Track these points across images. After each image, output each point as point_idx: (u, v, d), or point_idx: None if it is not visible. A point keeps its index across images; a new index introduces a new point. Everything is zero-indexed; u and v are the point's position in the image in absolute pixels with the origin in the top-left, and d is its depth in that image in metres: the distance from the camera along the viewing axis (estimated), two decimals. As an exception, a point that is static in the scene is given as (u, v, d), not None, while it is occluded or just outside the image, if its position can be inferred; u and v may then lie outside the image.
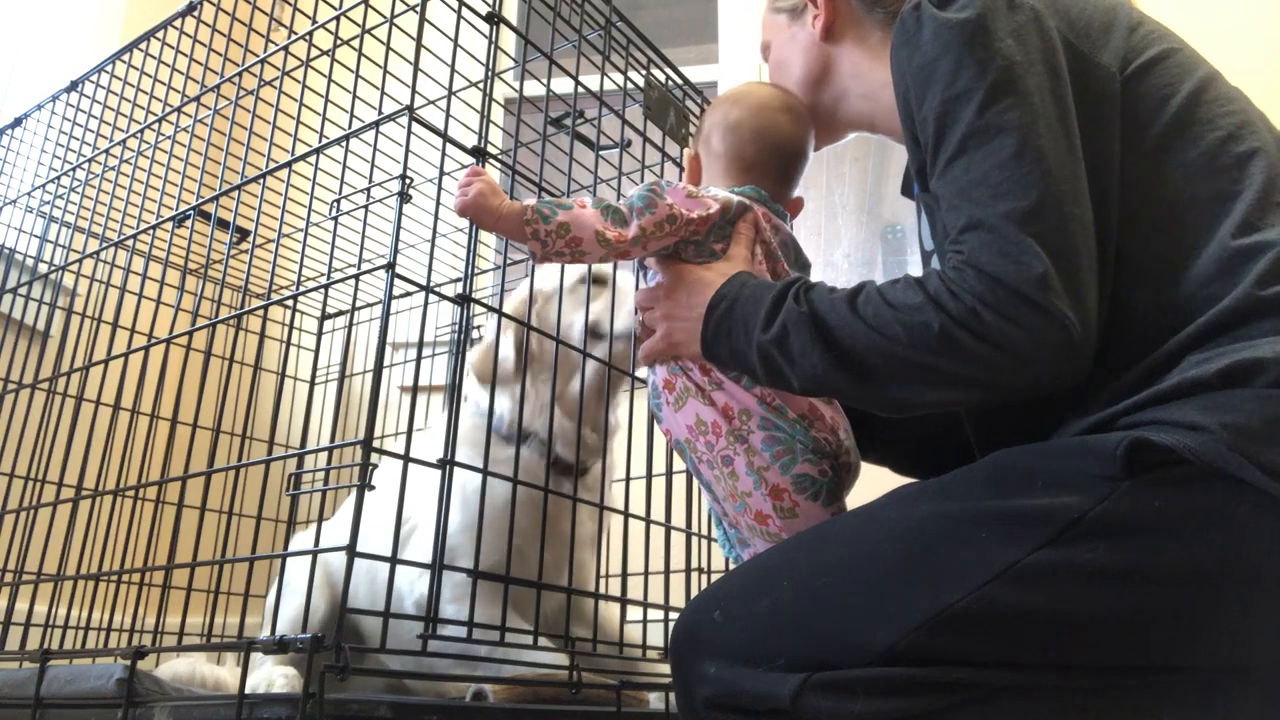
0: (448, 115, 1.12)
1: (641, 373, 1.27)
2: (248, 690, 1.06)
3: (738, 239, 1.05)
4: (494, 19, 1.20)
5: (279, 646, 0.91)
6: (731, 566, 1.08)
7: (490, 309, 1.18)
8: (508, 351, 1.41)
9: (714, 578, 1.47)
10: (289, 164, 1.21)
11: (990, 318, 0.76)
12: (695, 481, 1.51)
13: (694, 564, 1.49)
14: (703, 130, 1.18)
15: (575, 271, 1.42)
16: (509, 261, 1.31)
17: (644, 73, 1.47)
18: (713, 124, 1.16)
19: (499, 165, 1.31)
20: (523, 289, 1.41)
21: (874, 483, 1.08)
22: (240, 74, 1.34)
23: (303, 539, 1.66)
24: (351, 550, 0.92)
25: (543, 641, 1.15)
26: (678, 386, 1.05)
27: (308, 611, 1.08)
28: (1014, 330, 0.76)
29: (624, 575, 1.38)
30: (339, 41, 1.23)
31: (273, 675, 1.36)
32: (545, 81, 1.26)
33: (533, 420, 1.39)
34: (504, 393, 1.40)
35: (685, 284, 1.03)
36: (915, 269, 2.61)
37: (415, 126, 1.07)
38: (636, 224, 1.00)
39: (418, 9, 1.13)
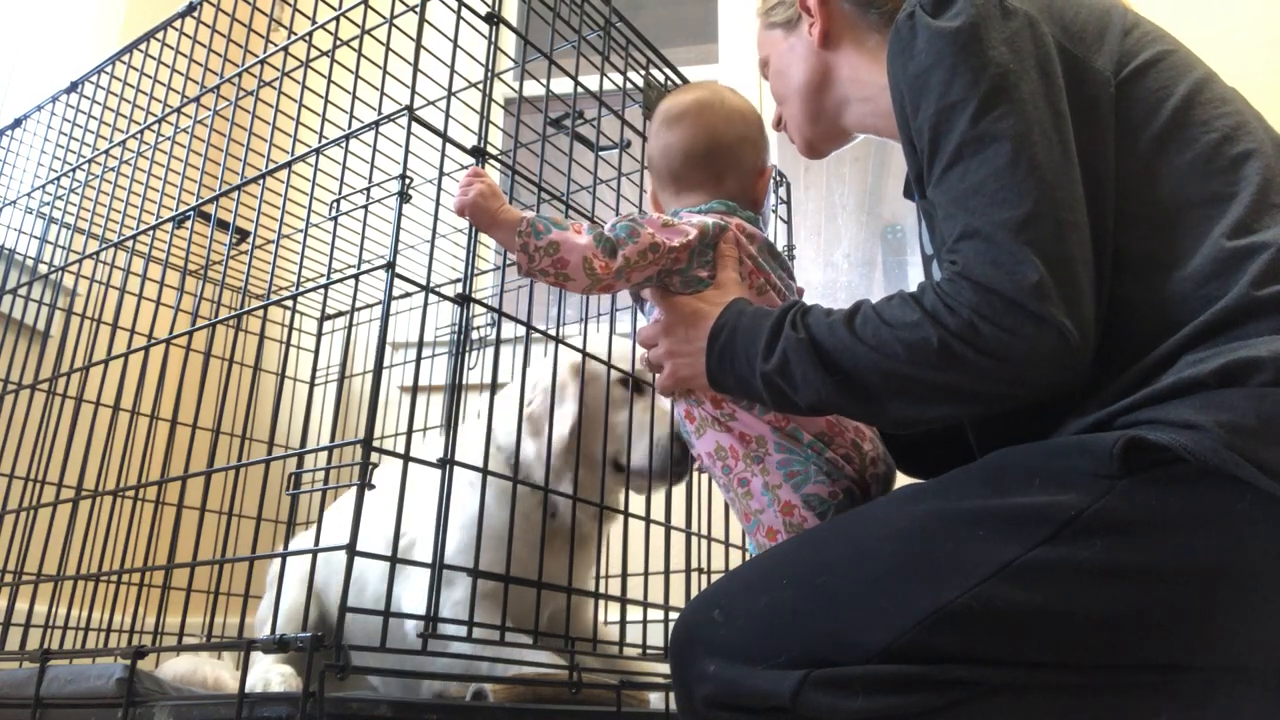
0: (447, 115, 1.12)
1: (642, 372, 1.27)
2: (245, 689, 1.06)
3: (723, 263, 1.06)
4: (493, 19, 1.20)
5: (279, 646, 0.91)
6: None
7: (490, 309, 1.18)
8: (569, 415, 1.32)
9: (714, 578, 1.47)
10: (289, 164, 1.21)
11: (987, 329, 0.77)
12: (695, 482, 1.52)
13: (694, 564, 1.49)
14: (650, 160, 1.21)
15: (613, 374, 1.37)
16: (509, 262, 1.31)
17: (643, 73, 1.48)
18: (651, 155, 1.20)
19: (499, 165, 1.31)
20: (577, 360, 1.33)
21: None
22: (240, 74, 1.34)
23: (300, 541, 1.66)
24: (351, 550, 0.92)
25: (542, 642, 1.15)
26: (696, 417, 1.08)
27: (308, 610, 1.08)
28: (1011, 340, 0.76)
29: (624, 575, 1.38)
30: (339, 42, 1.23)
31: (270, 674, 1.36)
32: (545, 82, 1.26)
33: (556, 502, 1.34)
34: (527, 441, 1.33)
35: (682, 318, 1.04)
36: (916, 269, 2.62)
37: (415, 127, 1.07)
38: (621, 254, 1.00)
39: (417, 9, 1.13)
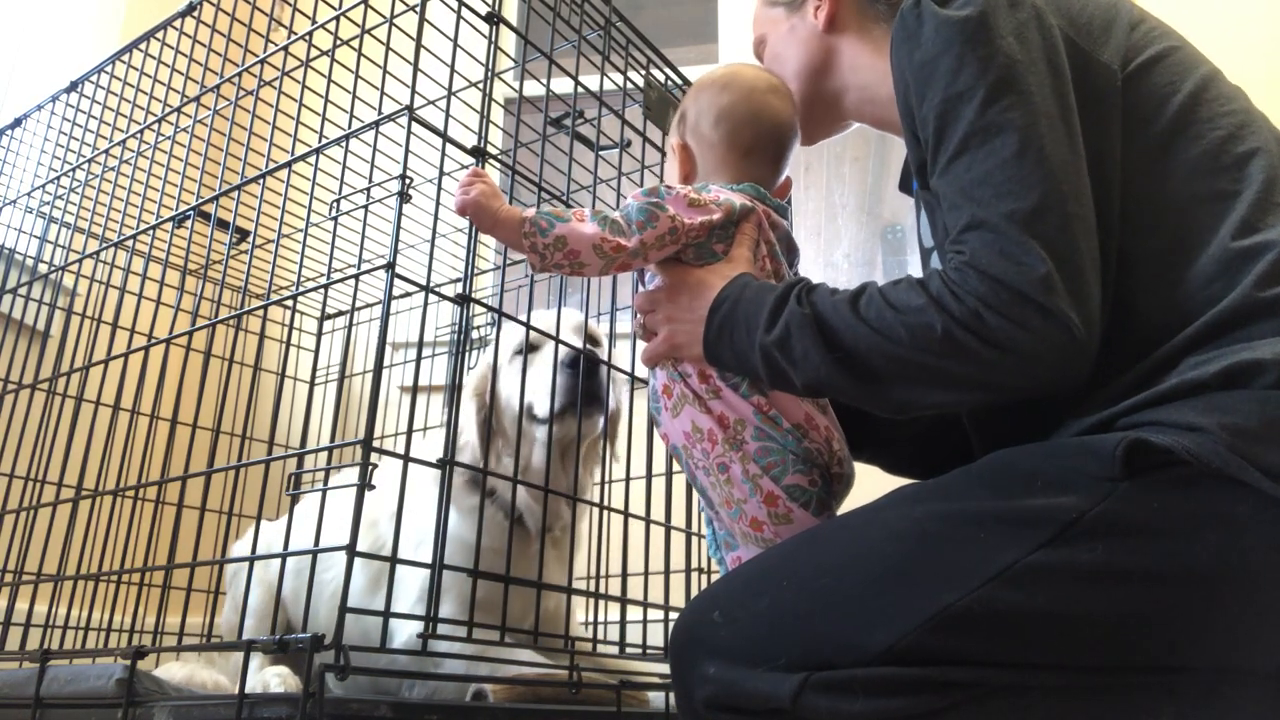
0: (447, 115, 1.12)
1: (642, 372, 1.27)
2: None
3: (741, 240, 1.05)
4: (494, 19, 1.20)
5: (279, 647, 0.91)
6: (720, 568, 1.08)
7: (490, 309, 1.18)
8: (471, 437, 1.42)
9: (714, 578, 1.47)
10: (289, 164, 1.21)
11: (992, 319, 0.76)
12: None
13: (694, 564, 1.49)
14: (688, 117, 1.14)
15: (510, 345, 1.45)
16: (509, 262, 1.31)
17: (644, 73, 1.47)
18: (701, 110, 1.13)
19: (499, 165, 1.31)
20: (481, 366, 1.42)
21: (873, 483, 1.08)
22: (240, 74, 1.34)
23: (244, 544, 1.67)
24: (351, 550, 0.92)
25: (542, 642, 1.15)
26: (675, 393, 1.04)
27: (308, 610, 1.07)
28: (1017, 331, 0.76)
29: (624, 575, 1.38)
30: (339, 41, 1.23)
31: (266, 676, 1.36)
32: (545, 81, 1.26)
33: (496, 485, 1.40)
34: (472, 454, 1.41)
35: (687, 286, 1.02)
36: (915, 269, 2.61)
37: (415, 126, 1.07)
38: (637, 238, 0.99)
39: (417, 9, 1.13)
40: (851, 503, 1.03)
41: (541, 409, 1.37)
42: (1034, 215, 0.77)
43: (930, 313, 0.79)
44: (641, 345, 1.10)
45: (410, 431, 1.19)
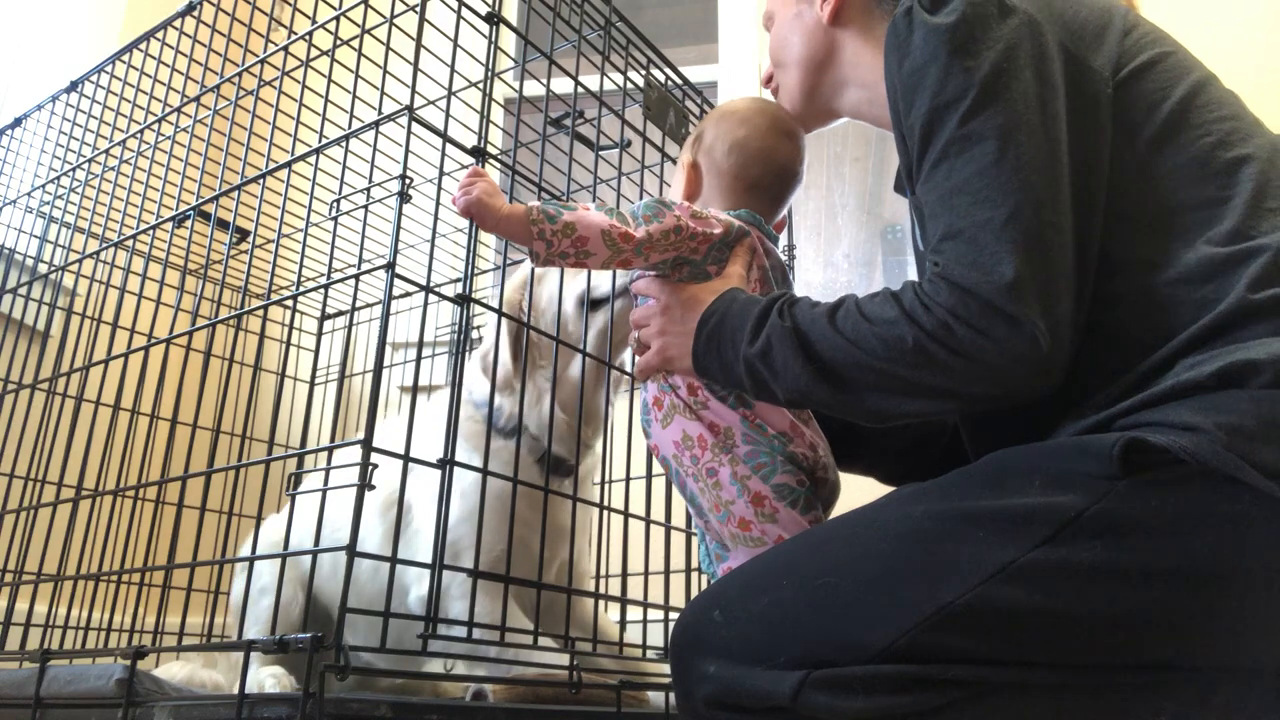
0: (447, 115, 1.12)
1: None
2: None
3: (734, 259, 1.07)
4: (494, 19, 1.20)
5: (279, 647, 0.91)
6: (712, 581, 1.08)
7: (490, 309, 1.18)
8: (505, 354, 1.40)
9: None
10: (289, 164, 1.21)
11: (961, 330, 0.77)
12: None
13: (694, 564, 1.49)
14: (704, 141, 1.18)
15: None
16: (509, 262, 1.31)
17: (644, 73, 1.48)
18: (716, 137, 1.16)
19: (499, 165, 1.31)
20: (521, 271, 1.41)
21: (872, 484, 1.08)
22: (240, 74, 1.34)
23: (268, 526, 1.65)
24: (351, 550, 0.92)
25: (543, 641, 1.15)
26: (665, 404, 1.07)
27: (308, 611, 1.08)
28: (983, 342, 0.77)
29: (624, 575, 1.38)
30: (339, 41, 1.23)
31: (261, 676, 1.35)
32: (545, 81, 1.26)
33: (528, 412, 1.38)
34: (505, 390, 1.40)
35: (680, 300, 1.04)
36: (915, 268, 2.61)
37: (415, 126, 1.07)
38: (644, 229, 1.01)
39: (418, 9, 1.13)
40: (849, 504, 1.04)
41: (604, 289, 1.37)
42: (1008, 223, 0.78)
43: (902, 325, 0.80)
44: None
45: (410, 431, 1.19)
